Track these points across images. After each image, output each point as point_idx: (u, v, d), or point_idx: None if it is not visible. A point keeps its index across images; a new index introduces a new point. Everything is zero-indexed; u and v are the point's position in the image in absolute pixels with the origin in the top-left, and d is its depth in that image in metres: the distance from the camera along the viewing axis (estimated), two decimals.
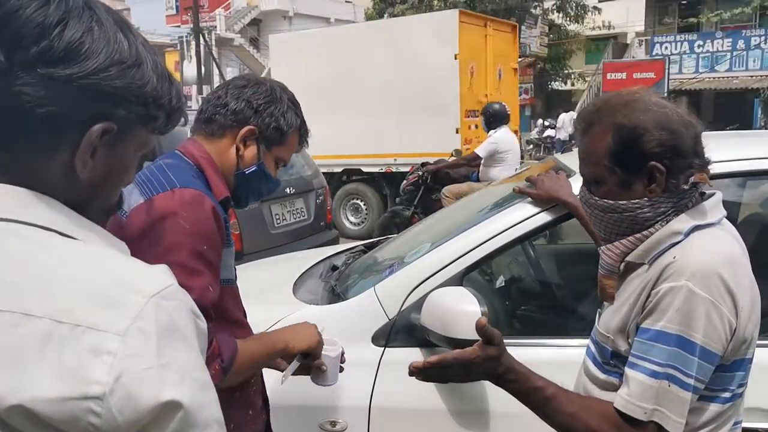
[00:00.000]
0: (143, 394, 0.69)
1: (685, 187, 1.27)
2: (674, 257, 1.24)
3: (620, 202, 1.30)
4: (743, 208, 2.40)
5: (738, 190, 2.30)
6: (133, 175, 0.89)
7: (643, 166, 1.26)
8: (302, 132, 1.61)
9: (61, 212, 0.78)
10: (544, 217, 1.96)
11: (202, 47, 23.40)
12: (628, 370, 1.24)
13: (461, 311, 1.74)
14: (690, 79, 20.03)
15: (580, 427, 1.28)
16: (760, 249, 1.88)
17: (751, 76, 20.00)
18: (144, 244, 1.31)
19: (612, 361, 1.34)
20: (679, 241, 1.26)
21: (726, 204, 1.37)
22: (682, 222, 1.28)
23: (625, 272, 1.35)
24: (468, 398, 1.89)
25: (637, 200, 1.29)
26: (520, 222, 1.99)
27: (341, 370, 1.72)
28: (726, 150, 1.95)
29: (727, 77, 20.51)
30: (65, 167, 0.78)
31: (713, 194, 1.33)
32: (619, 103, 1.30)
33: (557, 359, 1.87)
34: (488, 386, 1.88)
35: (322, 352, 1.66)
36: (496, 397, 1.88)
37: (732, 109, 21.55)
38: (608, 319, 1.36)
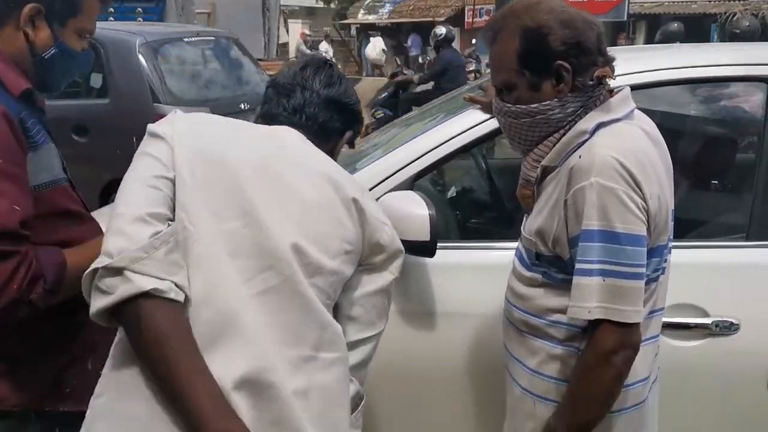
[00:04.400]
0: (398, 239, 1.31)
1: (591, 83, 1.31)
2: (579, 157, 1.29)
3: (531, 105, 1.34)
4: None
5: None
6: None
7: (549, 65, 1.31)
8: None
9: None
10: (494, 124, 1.98)
11: None
12: (573, 281, 1.29)
13: (410, 214, 1.78)
14: (650, 2, 19.94)
15: (584, 398, 1.31)
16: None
17: (710, 1, 19.99)
18: None
19: (537, 261, 1.40)
20: (586, 140, 1.31)
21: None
22: (587, 121, 1.32)
23: (542, 178, 1.39)
24: (416, 299, 1.95)
25: (547, 102, 1.33)
26: (470, 128, 2.01)
27: None
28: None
29: (686, 2, 20.47)
30: None
31: (620, 90, 1.38)
32: (523, 6, 1.34)
33: (504, 261, 1.93)
34: (436, 288, 1.96)
35: None
36: (443, 299, 1.95)
37: (689, 33, 21.58)
38: (530, 222, 1.42)
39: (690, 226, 2.18)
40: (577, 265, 1.27)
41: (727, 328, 1.84)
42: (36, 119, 1.33)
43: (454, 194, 2.76)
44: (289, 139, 1.26)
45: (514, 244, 1.58)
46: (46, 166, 1.35)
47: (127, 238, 1.07)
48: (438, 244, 1.81)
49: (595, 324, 1.26)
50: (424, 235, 1.77)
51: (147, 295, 1.03)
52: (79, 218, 1.43)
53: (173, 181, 1.14)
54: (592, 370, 1.26)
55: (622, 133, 1.31)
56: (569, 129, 1.34)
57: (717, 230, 2.27)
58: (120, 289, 1.03)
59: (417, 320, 1.96)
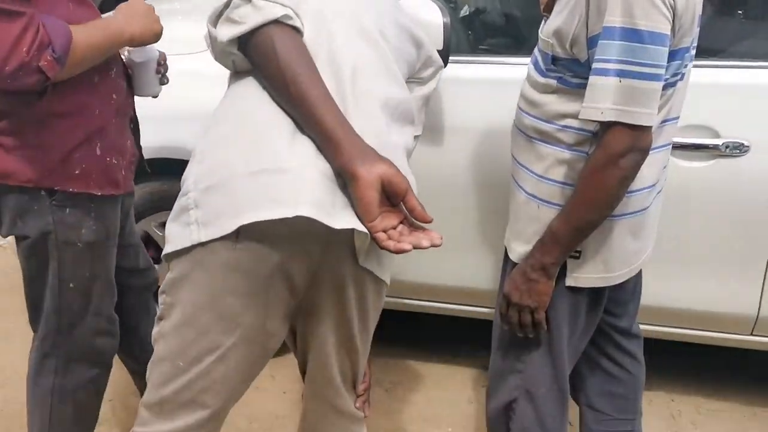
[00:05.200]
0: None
1: None
2: None
3: None
4: None
5: None
6: None
7: None
8: None
9: None
10: None
11: None
12: (588, 80, 1.25)
13: (425, 21, 1.71)
14: None
15: (580, 203, 1.31)
16: None
17: None
18: None
19: (553, 66, 1.35)
20: None
21: None
22: None
23: None
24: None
25: None
26: None
27: (164, 81, 1.69)
28: None
29: None
30: None
31: None
32: None
33: (515, 76, 1.89)
34: (445, 102, 1.91)
35: (125, 56, 1.59)
36: (451, 113, 1.92)
37: None
38: (549, 23, 1.36)
39: (709, 51, 2.10)
40: (594, 65, 1.23)
41: (737, 150, 1.83)
42: None
43: (467, 13, 2.65)
44: None
45: (526, 60, 1.53)
46: None
47: None
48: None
49: (606, 126, 1.24)
50: (438, 43, 1.72)
51: (276, 22, 1.09)
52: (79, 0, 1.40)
53: None
54: (599, 172, 1.26)
55: None
56: None
57: (737, 54, 2.19)
58: (252, 18, 1.08)
59: (424, 134, 1.95)
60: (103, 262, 1.59)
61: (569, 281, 1.42)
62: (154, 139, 2.04)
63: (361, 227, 1.02)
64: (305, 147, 1.06)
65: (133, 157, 1.62)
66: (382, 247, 1.00)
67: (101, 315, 1.63)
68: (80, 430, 1.75)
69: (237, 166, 1.05)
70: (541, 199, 1.40)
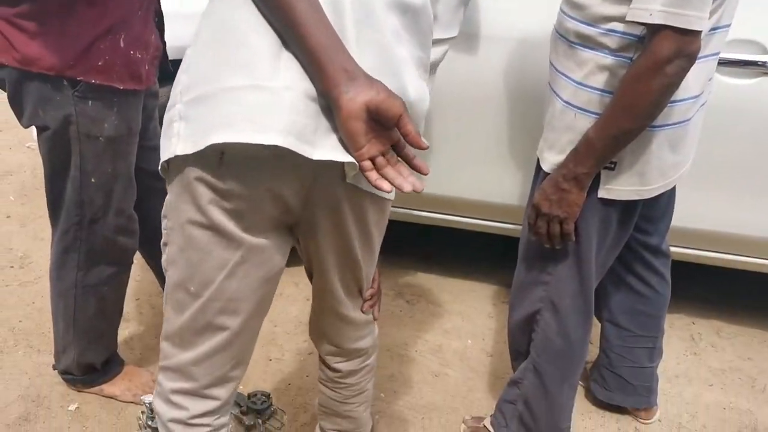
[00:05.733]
0: None
1: None
2: None
3: None
4: None
5: None
6: None
7: None
8: None
9: None
10: None
11: None
12: None
13: None
14: None
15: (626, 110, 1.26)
16: None
17: None
18: None
19: None
20: None
21: None
22: None
23: None
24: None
25: None
26: None
27: None
28: None
29: None
30: None
31: None
32: None
33: None
34: (480, 10, 1.83)
35: None
36: (487, 22, 1.84)
37: None
38: None
39: None
40: None
41: None
42: None
43: None
44: None
45: None
46: None
47: None
48: None
49: (653, 29, 1.18)
50: None
51: None
52: None
53: None
54: (643, 78, 1.20)
55: None
56: None
57: None
58: None
59: (459, 41, 1.88)
60: (125, 159, 1.58)
61: (602, 193, 1.38)
62: (180, 39, 2.00)
63: (342, 158, 0.97)
64: (291, 65, 0.97)
65: (157, 51, 1.58)
66: (365, 176, 0.96)
67: (123, 213, 1.64)
68: (104, 324, 1.80)
69: (217, 79, 0.98)
70: (578, 107, 1.35)
